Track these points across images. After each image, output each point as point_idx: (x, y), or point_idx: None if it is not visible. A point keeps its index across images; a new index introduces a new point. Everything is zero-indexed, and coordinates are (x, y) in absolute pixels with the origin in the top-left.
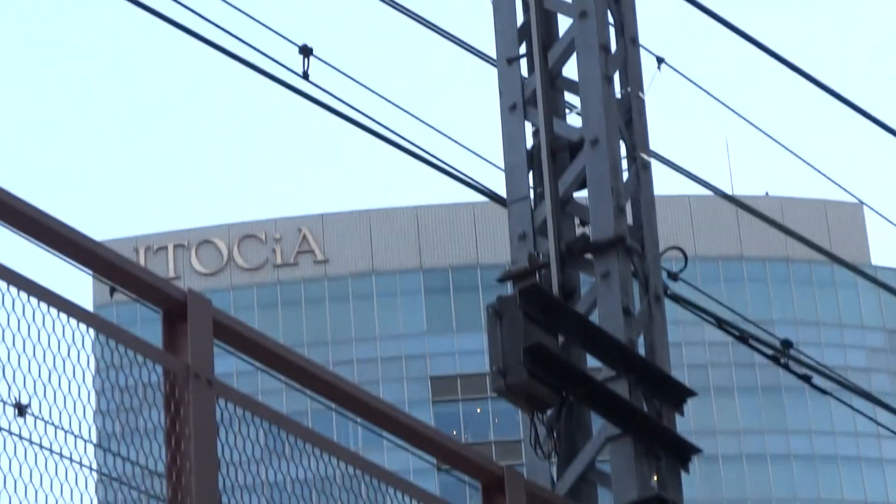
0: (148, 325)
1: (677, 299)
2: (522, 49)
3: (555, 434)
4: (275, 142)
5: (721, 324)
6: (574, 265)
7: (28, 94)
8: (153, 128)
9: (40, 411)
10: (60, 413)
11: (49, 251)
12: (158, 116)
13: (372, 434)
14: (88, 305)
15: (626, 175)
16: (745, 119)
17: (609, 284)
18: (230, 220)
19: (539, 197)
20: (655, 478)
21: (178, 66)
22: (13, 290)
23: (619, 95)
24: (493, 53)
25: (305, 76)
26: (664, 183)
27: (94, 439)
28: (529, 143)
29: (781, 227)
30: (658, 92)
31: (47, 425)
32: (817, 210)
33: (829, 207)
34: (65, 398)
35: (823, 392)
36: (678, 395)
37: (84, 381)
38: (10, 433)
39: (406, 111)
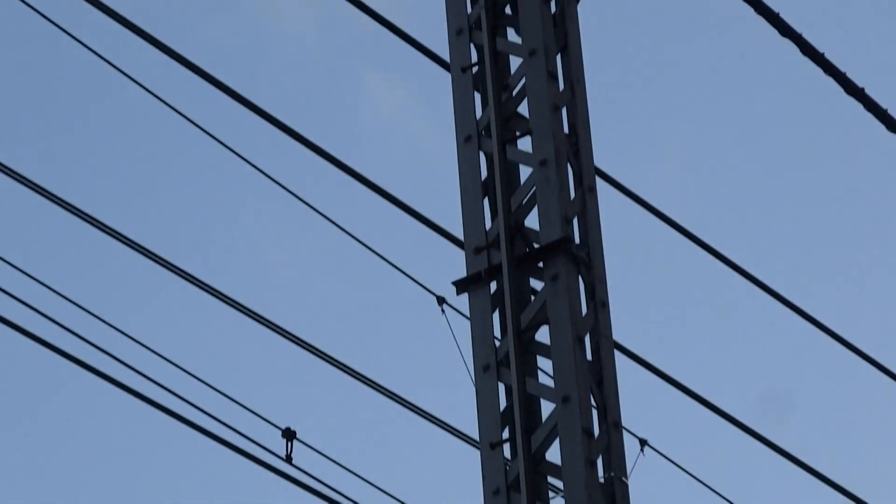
0: None
1: None
2: (505, 434)
3: None
4: None
5: None
6: None
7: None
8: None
9: None
10: None
11: None
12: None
13: None
14: None
15: None
16: (728, 501)
17: None
18: None
19: None
20: None
21: (156, 452)
22: None
23: (601, 479)
24: (476, 436)
25: (288, 459)
26: None
27: None
28: None
29: None
30: (641, 473)
31: None
32: None
33: None
34: None
35: None
36: None
37: None
38: None
39: (391, 495)
